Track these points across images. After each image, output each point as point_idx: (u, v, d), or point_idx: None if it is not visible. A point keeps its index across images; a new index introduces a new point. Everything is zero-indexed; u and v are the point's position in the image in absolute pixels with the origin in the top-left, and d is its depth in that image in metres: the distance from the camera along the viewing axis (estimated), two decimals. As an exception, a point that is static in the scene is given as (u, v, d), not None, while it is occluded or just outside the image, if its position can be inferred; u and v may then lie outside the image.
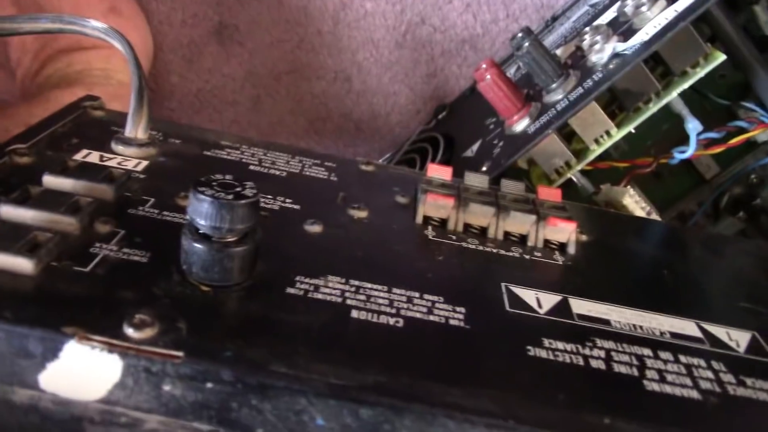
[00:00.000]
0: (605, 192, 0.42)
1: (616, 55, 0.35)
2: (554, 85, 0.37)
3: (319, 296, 0.22)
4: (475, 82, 0.51)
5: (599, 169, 0.44)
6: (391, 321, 0.22)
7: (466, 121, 0.47)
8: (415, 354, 0.21)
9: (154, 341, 0.18)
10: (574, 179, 0.41)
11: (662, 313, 0.26)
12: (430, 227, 0.29)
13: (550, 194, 0.32)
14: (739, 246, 0.35)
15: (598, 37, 0.36)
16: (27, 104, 0.43)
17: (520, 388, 0.20)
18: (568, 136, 0.39)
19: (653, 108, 0.37)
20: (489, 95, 0.38)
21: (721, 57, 0.36)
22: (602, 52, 0.36)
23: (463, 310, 0.23)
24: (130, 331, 0.18)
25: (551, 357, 0.22)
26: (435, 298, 0.23)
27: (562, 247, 0.29)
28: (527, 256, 0.28)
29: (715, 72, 0.43)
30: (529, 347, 0.22)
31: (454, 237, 0.28)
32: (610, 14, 0.41)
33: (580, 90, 0.35)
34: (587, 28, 0.39)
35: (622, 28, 0.37)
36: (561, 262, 0.28)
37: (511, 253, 0.28)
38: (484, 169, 0.38)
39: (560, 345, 0.22)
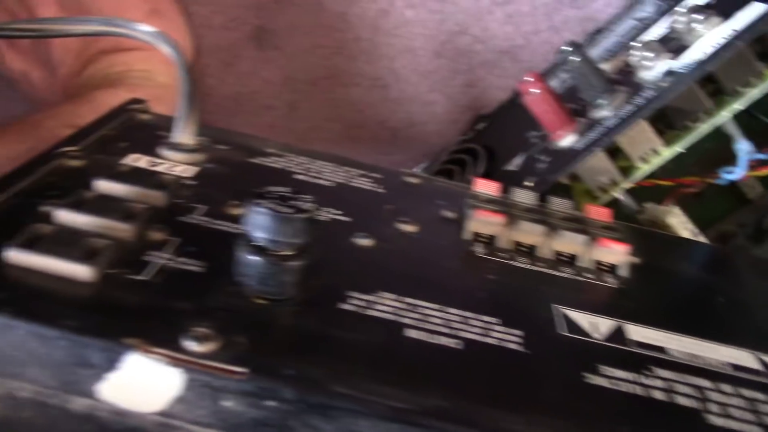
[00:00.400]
0: (649, 211, 0.41)
1: (669, 73, 0.35)
2: (602, 101, 0.36)
3: (374, 313, 0.22)
4: (514, 93, 0.51)
5: (642, 186, 0.44)
6: (449, 342, 0.21)
7: (506, 134, 0.46)
8: (474, 378, 0.20)
9: (216, 356, 0.18)
10: (619, 197, 0.41)
11: (719, 342, 0.25)
12: (478, 244, 0.29)
13: (599, 213, 0.31)
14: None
15: (649, 54, 0.36)
16: (71, 104, 0.43)
17: (582, 418, 0.20)
18: (613, 152, 0.39)
19: (703, 127, 0.36)
20: (536, 109, 0.37)
21: (770, 77, 0.35)
22: (654, 69, 0.35)
23: (518, 332, 0.23)
24: (191, 345, 0.18)
25: (611, 385, 0.21)
26: (490, 319, 0.23)
27: (612, 268, 0.29)
28: (579, 278, 0.28)
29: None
30: (587, 374, 0.21)
31: (503, 255, 0.28)
32: (658, 30, 0.40)
33: (630, 107, 0.35)
34: (636, 43, 0.38)
35: (674, 44, 0.36)
36: (613, 285, 0.28)
37: (562, 274, 0.28)
38: (528, 184, 0.38)
39: (619, 373, 0.22)
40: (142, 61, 0.48)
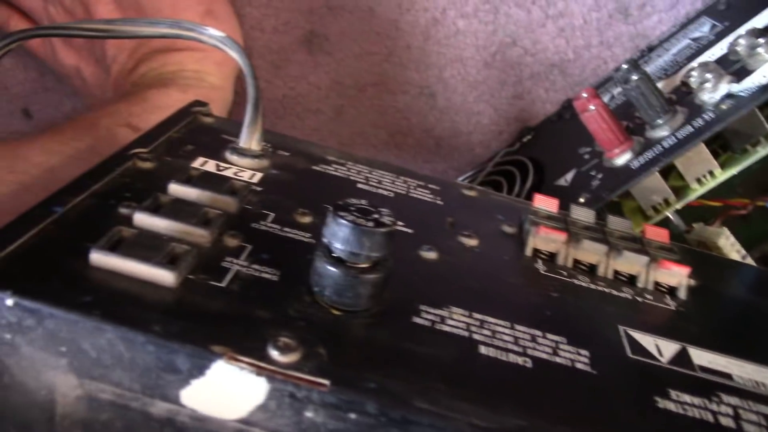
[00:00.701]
0: (698, 231, 0.41)
1: (729, 96, 0.35)
2: (660, 121, 0.36)
3: (446, 328, 0.22)
4: (563, 107, 0.51)
5: (689, 206, 0.44)
6: (520, 360, 0.21)
7: (556, 148, 0.46)
8: (547, 397, 0.20)
9: (299, 366, 0.18)
10: (669, 216, 0.40)
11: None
12: (540, 261, 0.29)
13: (657, 234, 0.31)
14: None
15: (709, 75, 0.36)
16: (126, 103, 0.43)
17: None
18: (666, 171, 0.39)
19: (762, 152, 0.36)
20: (592, 126, 0.37)
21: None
22: (714, 91, 0.35)
23: (586, 353, 0.23)
24: (275, 354, 0.18)
25: (680, 411, 0.21)
26: (558, 338, 0.23)
27: (671, 290, 0.29)
28: (639, 299, 0.28)
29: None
30: (657, 398, 0.21)
31: (564, 273, 0.28)
32: (717, 51, 0.40)
33: (689, 128, 0.35)
34: (694, 64, 0.38)
35: (734, 67, 0.36)
36: (674, 308, 0.28)
37: (623, 294, 0.28)
38: (581, 200, 0.38)
39: (687, 398, 0.22)
40: (195, 62, 0.49)
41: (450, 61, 0.53)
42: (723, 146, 0.38)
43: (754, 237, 0.52)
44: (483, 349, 0.21)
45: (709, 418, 0.21)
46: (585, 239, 0.29)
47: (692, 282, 0.30)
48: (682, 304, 0.28)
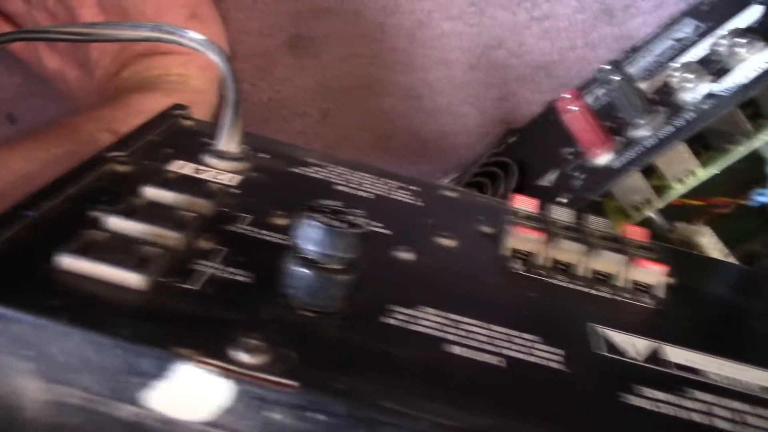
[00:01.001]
0: (680, 230, 0.41)
1: (710, 96, 0.35)
2: (641, 121, 0.36)
3: (419, 329, 0.22)
4: (547, 108, 0.51)
5: (671, 205, 0.44)
6: (494, 360, 0.21)
7: (539, 149, 0.46)
8: (520, 397, 0.20)
9: (267, 368, 0.18)
10: (651, 215, 0.40)
11: (754, 365, 0.25)
12: (517, 260, 0.29)
13: (636, 233, 0.31)
14: None
15: (690, 75, 0.36)
16: (109, 108, 0.43)
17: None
18: (647, 171, 0.39)
19: (742, 151, 0.36)
20: (575, 127, 0.37)
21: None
22: (695, 91, 0.35)
23: (561, 352, 0.23)
24: (243, 356, 0.18)
25: (653, 407, 0.21)
26: (533, 337, 0.23)
27: (649, 289, 0.29)
28: (616, 297, 0.28)
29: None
30: (629, 396, 0.21)
31: (543, 273, 0.28)
32: (699, 51, 0.40)
33: (670, 128, 0.35)
34: (676, 64, 0.38)
35: (715, 67, 0.36)
36: (652, 306, 0.28)
37: (599, 293, 0.28)
38: (563, 201, 0.38)
39: (658, 394, 0.22)
40: (179, 66, 0.49)
41: (435, 64, 0.53)
42: (704, 145, 0.38)
43: (736, 235, 0.52)
44: (456, 349, 0.21)
45: (683, 414, 0.21)
46: (563, 239, 0.29)
47: (671, 280, 0.30)
48: (660, 303, 0.28)
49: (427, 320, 0.23)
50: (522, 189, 0.44)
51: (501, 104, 0.53)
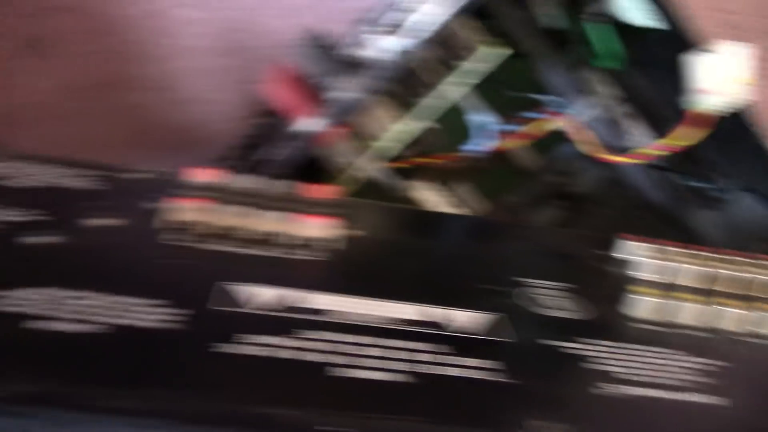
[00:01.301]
0: (411, 188, 0.42)
1: (391, 52, 0.36)
2: (339, 84, 0.37)
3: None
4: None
5: (413, 165, 0.45)
6: (94, 329, 0.21)
7: (274, 125, 0.46)
8: (94, 360, 0.20)
9: None
10: (383, 177, 0.41)
11: (409, 301, 0.26)
12: (172, 231, 0.28)
13: (321, 192, 0.32)
14: (512, 230, 0.36)
15: (375, 36, 0.37)
16: None
17: (206, 386, 0.20)
18: (356, 134, 0.39)
19: (435, 102, 0.38)
20: (277, 96, 0.38)
21: (500, 50, 0.37)
22: (378, 49, 0.36)
23: (173, 311, 0.23)
24: None
25: (237, 351, 0.21)
26: (140, 300, 0.23)
27: (319, 242, 0.29)
28: (276, 255, 0.28)
29: (511, 65, 0.44)
30: (227, 344, 0.22)
31: (195, 239, 0.28)
32: (394, 14, 0.41)
33: (360, 87, 0.36)
34: (370, 27, 0.39)
35: (398, 26, 0.38)
36: (313, 258, 0.28)
37: (256, 252, 0.28)
38: (274, 172, 0.38)
39: (254, 339, 0.22)
40: None
41: (177, 52, 0.52)
42: (403, 103, 0.39)
43: (495, 190, 0.54)
44: (53, 324, 0.21)
45: (269, 353, 0.22)
46: (221, 203, 0.29)
47: (354, 233, 0.31)
48: (326, 255, 0.29)
49: (22, 300, 0.22)
50: (258, 166, 0.44)
51: (250, 87, 0.53)
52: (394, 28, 0.38)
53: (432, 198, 0.40)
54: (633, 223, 0.53)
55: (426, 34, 0.35)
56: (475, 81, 0.41)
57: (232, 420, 0.19)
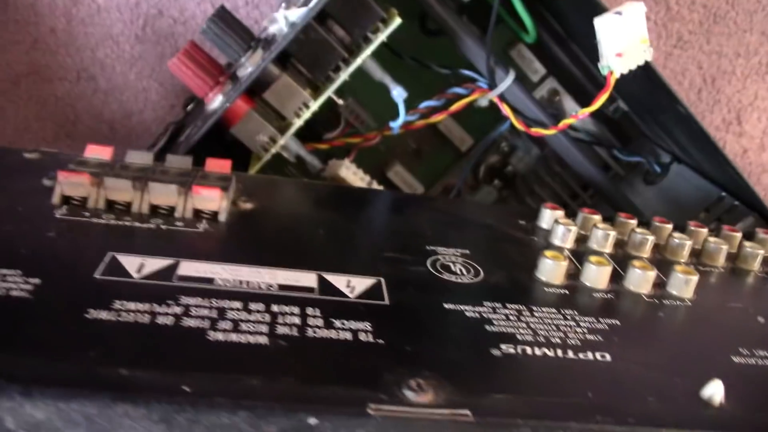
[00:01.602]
0: (329, 167, 0.42)
1: (291, 25, 0.35)
2: (243, 59, 0.37)
3: None
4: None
5: (335, 146, 0.45)
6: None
7: (195, 109, 0.46)
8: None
9: None
10: (305, 157, 0.41)
11: (287, 268, 0.25)
12: (65, 207, 0.28)
13: (217, 165, 0.32)
14: (399, 199, 0.36)
15: (274, 13, 0.36)
16: None
17: (75, 351, 0.19)
18: (269, 112, 0.39)
19: (343, 76, 0.37)
20: (179, 75, 0.37)
21: (398, 20, 0.36)
22: (277, 22, 0.36)
23: (38, 281, 0.22)
24: None
25: (114, 318, 0.21)
26: (15, 272, 0.22)
27: (215, 215, 0.29)
28: (164, 227, 0.27)
29: (436, 41, 0.44)
30: (93, 310, 0.21)
31: (87, 214, 0.27)
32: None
33: (260, 59, 0.35)
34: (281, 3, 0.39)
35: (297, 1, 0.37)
36: (201, 230, 0.28)
37: (145, 225, 0.27)
38: (181, 152, 0.37)
39: (133, 306, 0.21)
40: None
41: (100, 40, 0.51)
42: (316, 78, 0.38)
43: (433, 172, 0.54)
44: None
45: (146, 319, 0.21)
46: (109, 177, 0.28)
47: (248, 205, 0.30)
48: (216, 226, 0.28)
49: None
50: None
51: (179, 73, 0.52)
52: (287, 5, 0.37)
53: (353, 178, 0.40)
54: (569, 200, 0.53)
55: (312, 5, 0.34)
56: (390, 54, 0.41)
57: (98, 382, 0.18)
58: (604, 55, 0.35)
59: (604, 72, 0.36)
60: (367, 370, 0.21)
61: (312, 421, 0.18)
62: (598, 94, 0.39)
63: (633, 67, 0.35)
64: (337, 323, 0.22)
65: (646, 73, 0.38)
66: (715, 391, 0.21)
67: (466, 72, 0.44)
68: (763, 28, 0.57)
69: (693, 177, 0.49)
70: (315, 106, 0.37)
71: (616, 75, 0.36)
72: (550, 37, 0.50)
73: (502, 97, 0.43)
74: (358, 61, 0.37)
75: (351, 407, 0.19)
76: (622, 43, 0.34)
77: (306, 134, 0.41)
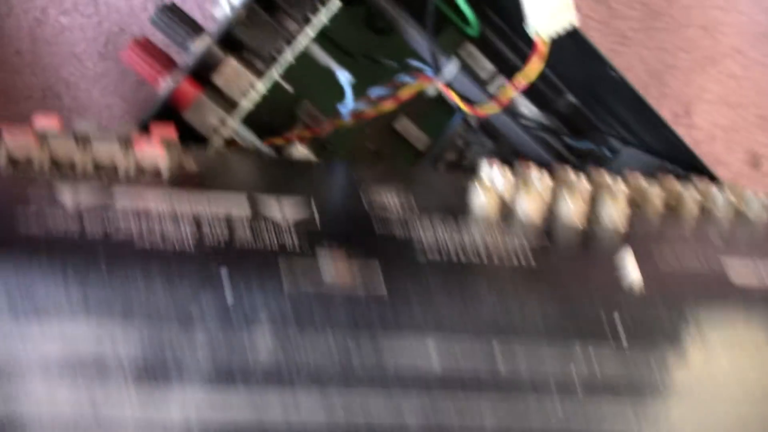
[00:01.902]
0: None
1: (232, 8, 0.37)
2: (192, 47, 0.38)
3: None
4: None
5: (291, 141, 0.46)
6: None
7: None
8: None
9: None
10: (260, 149, 0.42)
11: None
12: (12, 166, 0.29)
13: (162, 130, 0.33)
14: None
15: (218, -2, 0.39)
16: None
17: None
18: (219, 98, 0.40)
19: (288, 57, 0.39)
20: (131, 64, 0.39)
21: (337, 3, 0.39)
22: (220, 6, 0.37)
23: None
24: None
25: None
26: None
27: (158, 173, 0.30)
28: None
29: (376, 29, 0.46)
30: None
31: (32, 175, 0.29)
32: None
33: (210, 44, 0.37)
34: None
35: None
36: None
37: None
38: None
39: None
40: None
41: (65, 60, 0.53)
42: (259, 61, 0.40)
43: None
44: None
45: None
46: (53, 138, 0.30)
47: (192, 166, 0.32)
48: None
49: None
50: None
51: (141, 88, 0.54)
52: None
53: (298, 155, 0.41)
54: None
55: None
56: (333, 38, 0.43)
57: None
58: (530, 17, 0.37)
59: (533, 35, 0.38)
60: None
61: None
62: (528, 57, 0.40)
63: (560, 29, 0.37)
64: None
65: (575, 41, 0.40)
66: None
67: (413, 62, 0.46)
68: (701, 23, 0.60)
69: (643, 156, 0.51)
70: (261, 87, 0.39)
71: (544, 38, 0.38)
72: (494, 33, 0.52)
73: (449, 86, 0.44)
74: (302, 41, 0.39)
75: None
76: (546, 4, 0.36)
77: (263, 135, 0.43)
